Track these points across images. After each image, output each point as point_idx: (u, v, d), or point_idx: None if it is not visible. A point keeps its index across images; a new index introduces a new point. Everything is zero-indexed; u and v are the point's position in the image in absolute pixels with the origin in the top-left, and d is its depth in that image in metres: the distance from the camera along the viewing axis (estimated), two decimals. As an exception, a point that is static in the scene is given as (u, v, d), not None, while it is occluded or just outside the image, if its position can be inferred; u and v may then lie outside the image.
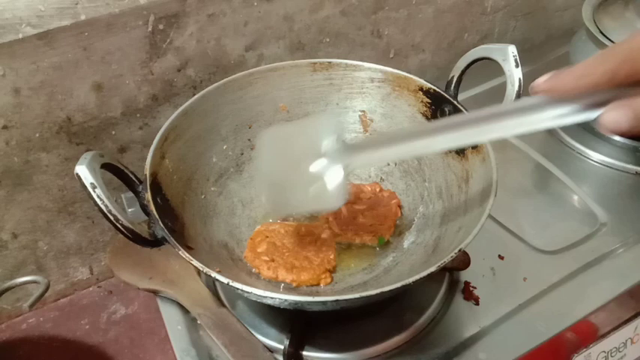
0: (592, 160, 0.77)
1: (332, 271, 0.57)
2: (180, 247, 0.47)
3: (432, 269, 0.45)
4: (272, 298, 0.45)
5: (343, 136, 0.49)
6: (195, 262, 0.46)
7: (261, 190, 0.53)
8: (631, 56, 0.32)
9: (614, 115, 0.32)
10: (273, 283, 0.56)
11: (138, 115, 0.67)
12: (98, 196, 0.45)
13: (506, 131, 0.39)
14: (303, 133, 0.50)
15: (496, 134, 0.39)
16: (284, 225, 0.61)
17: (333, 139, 0.46)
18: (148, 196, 0.50)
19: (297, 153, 0.49)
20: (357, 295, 0.43)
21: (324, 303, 0.45)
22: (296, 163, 0.48)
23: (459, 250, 0.46)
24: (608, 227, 0.68)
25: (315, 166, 0.46)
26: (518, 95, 0.55)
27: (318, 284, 0.56)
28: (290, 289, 0.55)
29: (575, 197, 0.72)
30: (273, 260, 0.57)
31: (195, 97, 0.60)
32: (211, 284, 0.60)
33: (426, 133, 0.42)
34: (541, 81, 0.35)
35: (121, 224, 0.46)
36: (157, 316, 0.60)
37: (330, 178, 0.46)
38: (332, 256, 0.58)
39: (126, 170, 0.51)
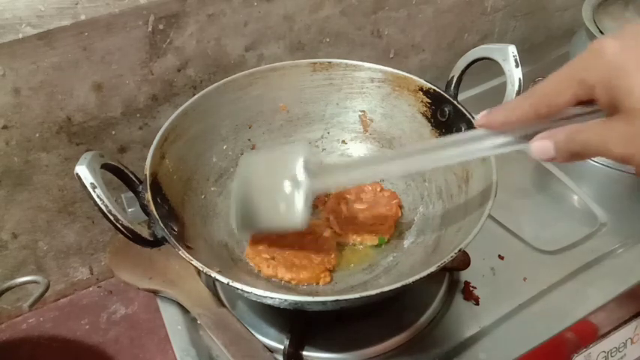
0: (592, 160, 0.76)
1: (332, 270, 0.57)
2: (180, 247, 0.47)
3: (432, 269, 0.45)
4: (272, 298, 0.45)
5: (311, 161, 0.53)
6: (195, 262, 0.46)
7: (230, 207, 0.56)
8: (546, 96, 0.37)
9: (538, 145, 0.38)
10: (273, 282, 0.56)
11: (138, 115, 0.67)
12: (98, 196, 0.45)
13: (450, 160, 0.44)
14: (278, 159, 0.54)
15: (442, 163, 0.45)
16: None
17: (300, 165, 0.51)
18: (148, 196, 0.50)
19: (269, 177, 0.53)
20: (357, 295, 0.43)
21: (324, 303, 0.45)
22: (267, 185, 0.53)
23: (459, 250, 0.46)
24: (608, 227, 0.68)
25: (283, 189, 0.51)
26: (519, 95, 0.55)
27: (317, 283, 0.56)
28: (290, 288, 0.55)
29: (575, 197, 0.72)
30: (273, 258, 0.57)
31: (195, 97, 0.60)
32: (211, 284, 0.60)
33: (384, 160, 0.49)
34: (480, 116, 0.40)
35: (121, 224, 0.46)
36: (157, 316, 0.60)
37: (295, 200, 0.51)
38: (332, 255, 0.58)
39: (126, 170, 0.51)
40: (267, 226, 0.54)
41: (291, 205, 0.51)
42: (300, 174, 0.51)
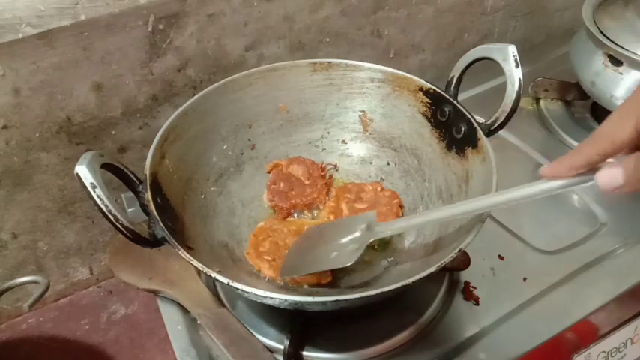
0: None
1: (332, 270, 0.57)
2: (180, 247, 0.47)
3: (432, 269, 0.45)
4: (272, 298, 0.45)
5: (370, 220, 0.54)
6: (195, 262, 0.46)
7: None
8: (608, 134, 0.37)
9: (605, 174, 0.38)
10: (274, 282, 0.56)
11: (138, 115, 0.67)
12: (98, 196, 0.45)
13: (511, 203, 0.45)
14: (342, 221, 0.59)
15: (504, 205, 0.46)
16: (287, 224, 0.61)
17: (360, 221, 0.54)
18: (148, 196, 0.50)
19: (328, 236, 0.55)
20: (357, 295, 0.43)
21: (324, 303, 0.45)
22: (325, 240, 0.55)
23: (459, 250, 0.46)
24: (608, 227, 0.68)
25: (339, 239, 0.53)
26: (518, 95, 0.55)
27: (317, 283, 0.55)
28: (290, 288, 0.55)
29: (575, 197, 0.72)
30: (274, 260, 0.57)
31: (195, 97, 0.60)
32: (211, 284, 0.60)
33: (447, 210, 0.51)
34: (542, 169, 0.42)
35: (121, 224, 0.46)
36: (157, 316, 0.60)
37: (350, 245, 0.52)
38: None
39: (126, 170, 0.51)
40: (314, 269, 0.54)
41: (344, 249, 0.52)
42: (361, 228, 0.53)
